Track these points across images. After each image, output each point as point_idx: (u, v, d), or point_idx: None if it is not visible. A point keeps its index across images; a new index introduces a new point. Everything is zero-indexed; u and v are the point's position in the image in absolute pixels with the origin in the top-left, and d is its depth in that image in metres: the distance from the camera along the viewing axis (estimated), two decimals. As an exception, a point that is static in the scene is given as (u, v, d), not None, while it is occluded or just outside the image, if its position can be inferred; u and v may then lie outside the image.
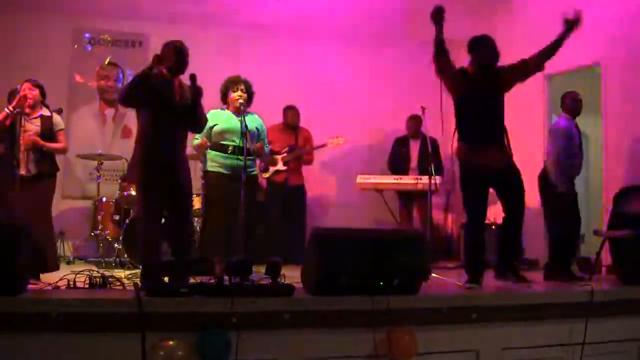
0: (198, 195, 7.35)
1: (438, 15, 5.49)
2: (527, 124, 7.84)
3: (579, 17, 5.51)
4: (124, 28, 9.38)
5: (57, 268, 5.95)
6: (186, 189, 5.36)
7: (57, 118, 6.22)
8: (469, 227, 5.78)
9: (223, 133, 6.16)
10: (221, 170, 6.16)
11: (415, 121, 8.82)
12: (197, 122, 5.46)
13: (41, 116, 6.06)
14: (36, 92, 6.03)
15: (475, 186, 5.63)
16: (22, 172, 5.79)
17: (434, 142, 8.16)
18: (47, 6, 8.79)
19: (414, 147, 8.93)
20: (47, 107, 6.19)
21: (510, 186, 5.70)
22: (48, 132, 6.06)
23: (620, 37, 7.25)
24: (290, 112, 8.80)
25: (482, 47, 5.67)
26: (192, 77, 5.26)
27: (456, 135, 5.72)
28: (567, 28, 5.55)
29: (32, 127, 5.96)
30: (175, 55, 5.24)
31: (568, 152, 6.43)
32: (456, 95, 5.72)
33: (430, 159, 7.31)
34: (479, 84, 5.61)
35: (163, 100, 5.17)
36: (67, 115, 8.72)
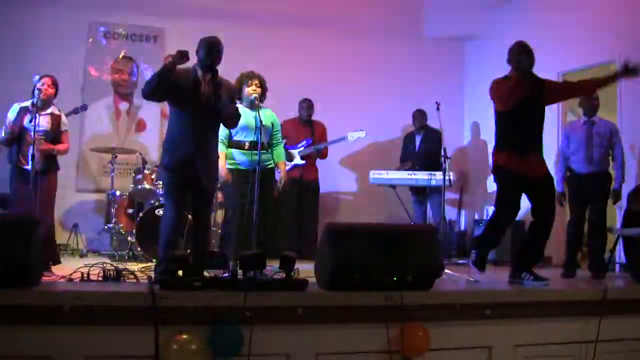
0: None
1: None
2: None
3: (637, 68, 5.35)
4: (140, 22, 9.38)
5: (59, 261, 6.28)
6: (208, 187, 5.29)
7: (64, 118, 6.39)
8: (495, 226, 5.75)
9: (239, 129, 6.14)
10: (238, 166, 6.20)
11: (417, 115, 8.92)
12: (227, 116, 5.32)
13: (51, 114, 6.22)
14: (52, 90, 6.20)
15: (515, 193, 5.59)
16: (30, 167, 5.82)
17: (435, 133, 8.19)
18: (62, -1, 8.82)
19: (418, 141, 9.02)
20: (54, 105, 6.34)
21: (545, 194, 5.61)
22: (55, 130, 6.24)
23: (636, 33, 7.19)
24: (306, 105, 8.80)
25: (523, 55, 5.48)
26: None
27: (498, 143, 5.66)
28: (623, 72, 5.41)
29: (42, 122, 6.03)
30: (206, 49, 5.15)
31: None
32: (507, 106, 5.52)
33: (430, 150, 7.26)
34: (529, 93, 5.46)
35: (186, 96, 5.11)
36: (81, 109, 8.80)
